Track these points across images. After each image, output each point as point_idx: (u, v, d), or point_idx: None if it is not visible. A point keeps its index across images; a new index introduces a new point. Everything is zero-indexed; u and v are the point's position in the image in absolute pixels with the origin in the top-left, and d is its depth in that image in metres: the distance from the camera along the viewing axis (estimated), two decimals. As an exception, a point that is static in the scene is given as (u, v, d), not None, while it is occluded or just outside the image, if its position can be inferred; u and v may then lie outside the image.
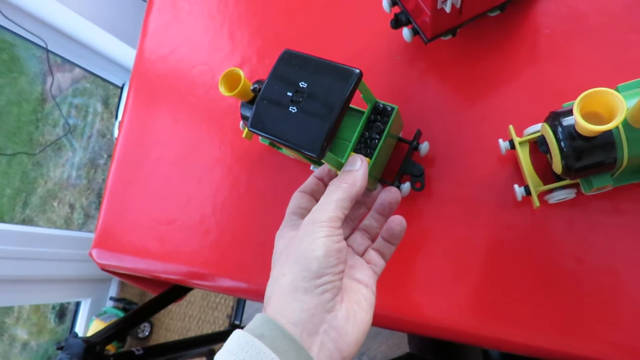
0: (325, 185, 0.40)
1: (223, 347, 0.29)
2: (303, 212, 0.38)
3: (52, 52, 1.52)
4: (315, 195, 0.39)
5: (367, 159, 0.42)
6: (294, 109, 0.35)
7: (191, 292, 1.64)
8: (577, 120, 0.31)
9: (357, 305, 0.33)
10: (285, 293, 0.31)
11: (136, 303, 1.77)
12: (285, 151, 0.56)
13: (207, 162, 0.62)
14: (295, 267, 0.31)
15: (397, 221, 0.38)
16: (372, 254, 0.39)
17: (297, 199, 0.38)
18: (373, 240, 0.40)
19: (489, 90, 0.50)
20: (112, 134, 1.83)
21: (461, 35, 0.52)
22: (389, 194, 0.39)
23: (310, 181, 0.40)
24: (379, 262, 0.38)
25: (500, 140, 0.46)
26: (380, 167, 0.48)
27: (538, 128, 0.44)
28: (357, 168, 0.35)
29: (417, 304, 0.48)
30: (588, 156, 0.36)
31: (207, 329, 1.65)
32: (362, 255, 0.39)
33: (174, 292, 0.86)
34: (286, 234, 0.36)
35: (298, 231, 0.33)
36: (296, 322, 0.30)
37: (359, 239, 0.39)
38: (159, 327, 1.74)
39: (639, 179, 0.40)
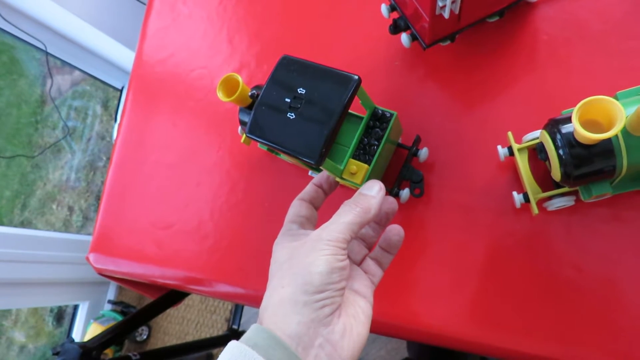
0: (324, 192, 0.40)
1: (218, 359, 0.29)
2: (302, 221, 0.37)
3: (52, 55, 1.52)
4: (314, 203, 0.39)
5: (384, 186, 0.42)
6: (292, 115, 0.35)
7: (189, 296, 1.64)
8: (576, 128, 0.31)
9: (354, 320, 0.33)
10: (283, 304, 0.30)
11: (134, 306, 1.76)
12: (284, 157, 0.56)
13: (205, 167, 0.61)
14: (297, 280, 0.31)
15: (395, 231, 0.38)
16: (370, 264, 0.38)
17: (295, 207, 0.38)
18: (370, 248, 0.40)
19: (488, 96, 0.50)
20: (111, 137, 1.83)
21: (460, 41, 0.51)
22: (386, 204, 0.39)
23: (309, 189, 0.39)
24: (377, 272, 0.38)
25: (499, 147, 0.45)
26: (379, 173, 0.48)
27: (537, 135, 0.44)
28: (374, 195, 0.35)
29: (415, 311, 0.48)
30: (587, 164, 0.36)
31: (206, 333, 1.64)
32: (359, 264, 0.39)
33: (172, 296, 0.86)
34: (286, 244, 0.35)
35: (303, 244, 0.33)
36: (292, 334, 0.29)
37: (356, 248, 0.39)
38: (157, 331, 1.73)
39: (638, 187, 0.40)
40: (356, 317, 0.33)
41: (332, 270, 0.31)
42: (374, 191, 0.35)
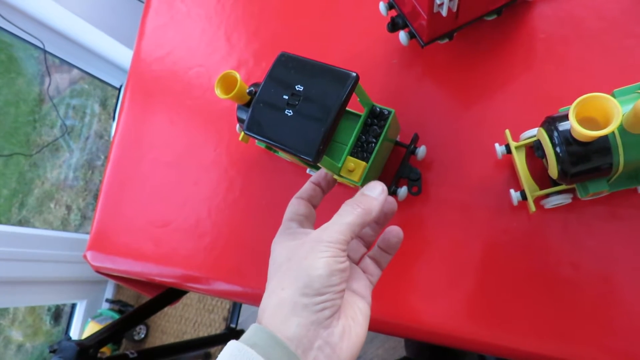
0: (322, 190, 0.39)
1: (217, 359, 0.29)
2: (300, 219, 0.37)
3: (50, 53, 1.52)
4: (312, 201, 0.39)
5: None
6: (290, 112, 0.35)
7: (187, 295, 1.64)
8: (572, 125, 0.31)
9: (353, 321, 0.32)
10: (283, 306, 0.30)
11: (132, 305, 1.76)
12: (282, 154, 0.56)
13: (203, 165, 0.61)
14: (297, 282, 0.30)
15: (394, 232, 0.38)
16: (368, 263, 0.38)
17: (294, 205, 0.38)
18: (368, 247, 0.40)
19: (486, 94, 0.50)
20: (109, 135, 1.83)
21: (458, 39, 0.52)
22: (386, 204, 0.38)
23: (307, 187, 0.39)
24: (375, 272, 0.38)
25: (497, 145, 0.46)
26: (377, 171, 0.48)
27: (534, 132, 0.44)
28: (376, 196, 0.34)
29: (413, 309, 0.48)
30: (584, 161, 0.36)
31: (204, 332, 1.64)
32: (357, 263, 0.39)
33: (170, 294, 0.86)
34: (285, 242, 0.35)
35: (302, 244, 0.32)
36: (292, 337, 0.29)
37: (355, 246, 0.39)
38: (155, 330, 1.73)
39: (635, 185, 0.40)
40: (355, 318, 0.33)
41: (332, 272, 0.30)
42: (376, 192, 0.34)
